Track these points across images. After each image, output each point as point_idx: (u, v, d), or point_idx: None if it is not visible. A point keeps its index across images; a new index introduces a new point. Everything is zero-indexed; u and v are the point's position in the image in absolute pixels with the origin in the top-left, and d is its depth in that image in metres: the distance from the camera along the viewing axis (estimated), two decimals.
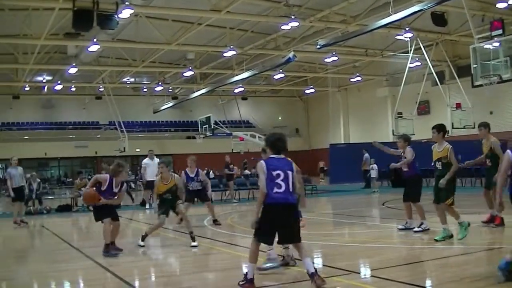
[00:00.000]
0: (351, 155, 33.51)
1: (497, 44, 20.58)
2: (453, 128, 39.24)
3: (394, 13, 26.96)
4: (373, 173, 29.39)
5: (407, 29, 34.02)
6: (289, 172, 7.55)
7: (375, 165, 28.99)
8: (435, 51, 40.77)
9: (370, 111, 54.54)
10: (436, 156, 11.38)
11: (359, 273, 8.59)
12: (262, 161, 7.65)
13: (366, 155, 30.78)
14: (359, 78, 50.70)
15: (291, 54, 33.96)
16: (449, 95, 42.79)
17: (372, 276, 8.45)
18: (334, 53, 39.66)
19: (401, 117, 40.37)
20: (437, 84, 39.79)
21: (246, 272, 7.53)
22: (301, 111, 65.77)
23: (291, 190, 7.50)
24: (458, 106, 39.42)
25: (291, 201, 7.51)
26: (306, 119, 65.75)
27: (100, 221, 11.24)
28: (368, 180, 30.97)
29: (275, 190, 7.38)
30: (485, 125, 13.15)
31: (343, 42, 35.62)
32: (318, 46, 32.71)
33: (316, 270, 7.30)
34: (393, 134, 40.82)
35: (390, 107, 49.76)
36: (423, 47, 37.29)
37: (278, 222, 7.43)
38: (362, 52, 43.56)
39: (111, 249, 11.08)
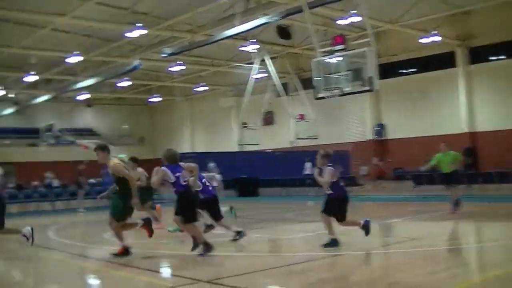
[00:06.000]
0: (200, 164, 33.20)
1: (339, 58, 21.38)
2: (297, 138, 40.64)
3: (240, 25, 27.51)
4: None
5: (252, 40, 34.70)
6: None
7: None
8: (280, 63, 41.92)
9: (216, 121, 54.98)
10: None
11: None
12: None
13: (211, 164, 30.69)
14: (205, 88, 51.01)
15: (137, 62, 33.65)
16: (293, 106, 44.05)
17: None
18: (180, 62, 39.70)
19: (246, 127, 41.13)
20: (281, 96, 40.91)
21: None
22: (147, 120, 64.97)
23: None
24: (302, 117, 40.72)
25: None
26: (151, 128, 65.07)
27: None
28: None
29: None
30: (102, 148, 10.82)
31: (189, 52, 35.71)
32: (163, 55, 32.71)
33: None
34: (239, 144, 41.56)
35: (235, 117, 50.45)
36: (268, 59, 38.22)
37: None
38: (208, 62, 43.87)
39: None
